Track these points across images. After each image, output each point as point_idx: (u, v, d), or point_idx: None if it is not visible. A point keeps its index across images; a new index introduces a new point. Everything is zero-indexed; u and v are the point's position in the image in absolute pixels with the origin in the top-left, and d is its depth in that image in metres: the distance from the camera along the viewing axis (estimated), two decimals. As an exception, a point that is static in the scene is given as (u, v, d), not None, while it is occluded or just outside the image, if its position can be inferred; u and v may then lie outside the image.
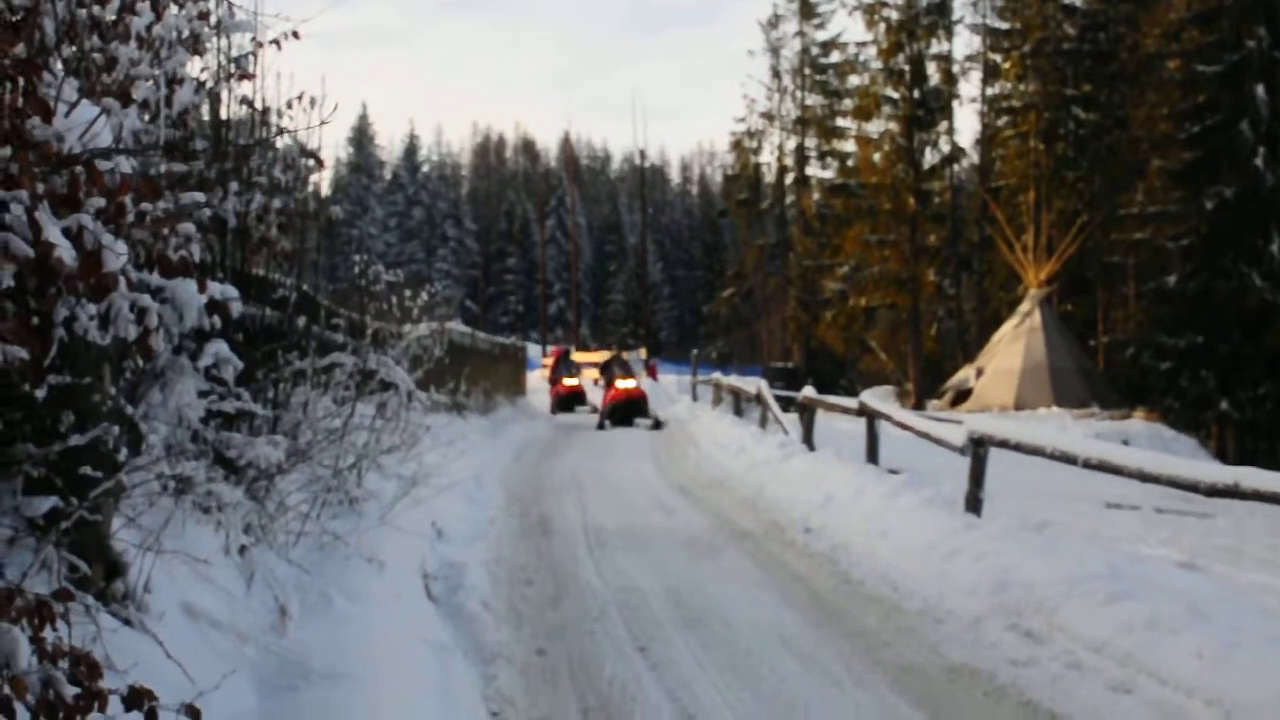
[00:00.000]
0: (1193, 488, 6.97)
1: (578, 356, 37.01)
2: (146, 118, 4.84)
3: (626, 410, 23.59)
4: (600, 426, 23.06)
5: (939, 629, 6.84)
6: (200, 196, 5.08)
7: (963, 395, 33.16)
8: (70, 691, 2.86)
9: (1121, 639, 6.01)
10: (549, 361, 46.73)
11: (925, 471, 11.36)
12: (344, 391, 7.37)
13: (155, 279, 3.81)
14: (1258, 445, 25.77)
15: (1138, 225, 34.19)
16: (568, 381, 27.97)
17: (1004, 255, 34.77)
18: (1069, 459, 8.13)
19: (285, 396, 6.92)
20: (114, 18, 4.64)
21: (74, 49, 4.44)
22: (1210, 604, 6.16)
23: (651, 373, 36.71)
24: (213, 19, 5.91)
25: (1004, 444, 9.07)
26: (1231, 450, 25.88)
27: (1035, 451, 8.55)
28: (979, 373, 33.26)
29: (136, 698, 2.98)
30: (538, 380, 37.40)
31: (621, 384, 24.24)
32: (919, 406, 33.55)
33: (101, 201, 2.95)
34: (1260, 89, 27.08)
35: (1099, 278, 37.20)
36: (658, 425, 22.47)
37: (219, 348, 4.92)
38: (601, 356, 32.04)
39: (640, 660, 6.28)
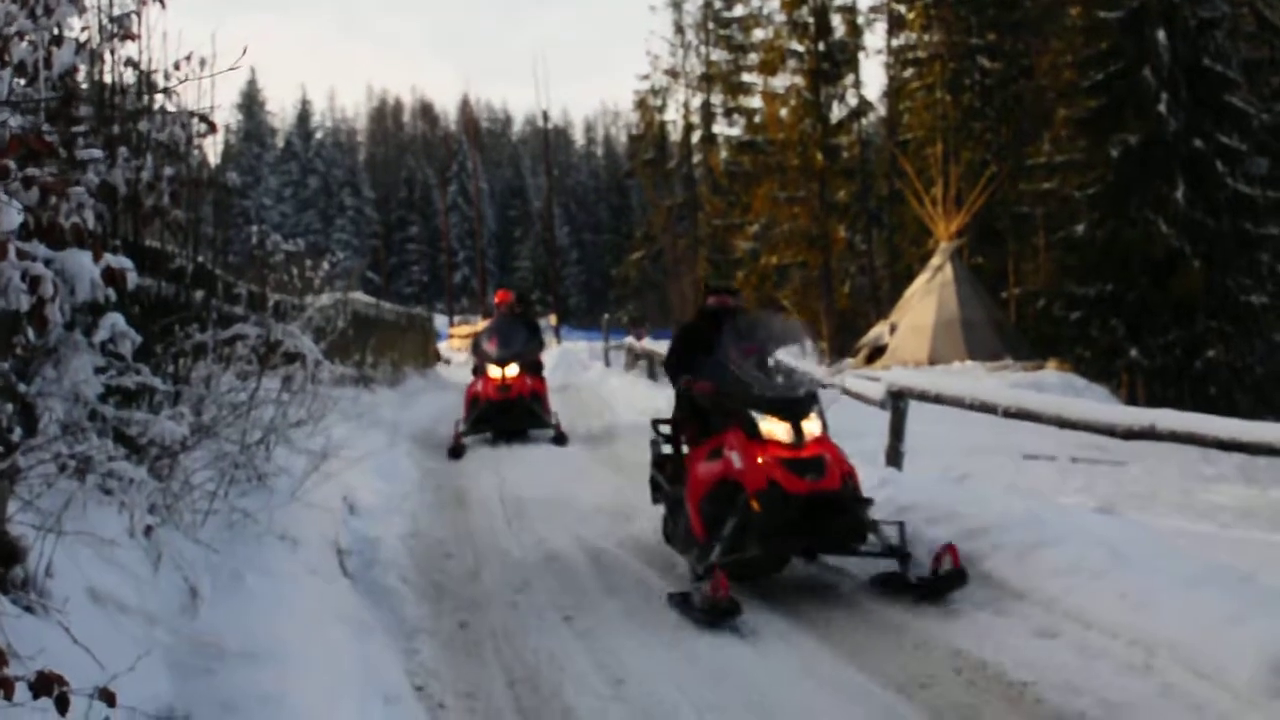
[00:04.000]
0: (1109, 431, 7.16)
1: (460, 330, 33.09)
2: (23, 81, 4.68)
3: (504, 414, 14.33)
4: (452, 452, 13.57)
5: (863, 584, 6.94)
6: (98, 153, 4.93)
7: (878, 352, 33.53)
8: (-26, 681, 2.78)
9: (1045, 585, 6.16)
10: (463, 330, 44.87)
11: (843, 429, 11.46)
12: (247, 365, 7.23)
13: (43, 250, 3.69)
14: (1166, 392, 26.40)
15: (1045, 175, 34.78)
16: (499, 374, 14.64)
17: (914, 209, 35.14)
18: (989, 408, 8.29)
19: (186, 371, 6.77)
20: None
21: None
22: (1129, 548, 6.32)
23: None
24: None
25: (924, 396, 9.21)
26: (1141, 397, 26.47)
27: (955, 402, 8.70)
28: (893, 329, 33.65)
29: (45, 683, 2.91)
30: (447, 350, 36.98)
31: (495, 371, 14.48)
32: (834, 364, 33.91)
33: (-14, 164, 2.84)
34: (1161, 34, 27.57)
35: (1009, 229, 37.82)
36: (560, 439, 14.18)
37: (115, 321, 4.78)
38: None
39: (566, 629, 6.28)
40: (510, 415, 14.27)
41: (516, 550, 8.28)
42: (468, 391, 15.02)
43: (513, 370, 14.40)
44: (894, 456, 9.43)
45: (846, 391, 10.78)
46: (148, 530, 5.04)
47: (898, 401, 9.47)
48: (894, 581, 6.62)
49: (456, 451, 13.43)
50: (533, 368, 14.93)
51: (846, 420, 12.40)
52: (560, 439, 14.11)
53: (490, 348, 14.77)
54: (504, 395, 14.23)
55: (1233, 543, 9.13)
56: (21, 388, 4.53)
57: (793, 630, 6.16)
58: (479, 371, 14.99)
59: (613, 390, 19.77)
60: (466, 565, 7.89)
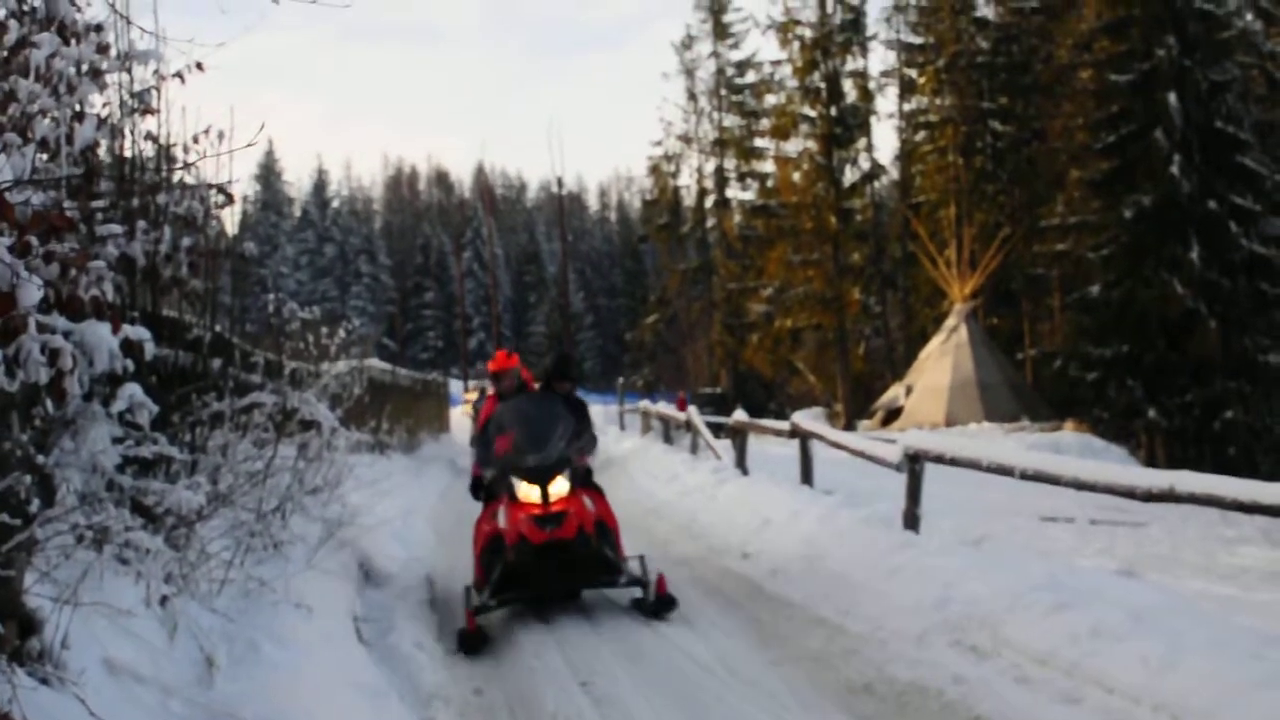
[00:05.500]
0: (1130, 494, 7.09)
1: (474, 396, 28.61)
2: (45, 156, 4.75)
3: (555, 566, 8.08)
4: (465, 640, 7.43)
5: (884, 649, 6.88)
6: (117, 228, 4.99)
7: (893, 414, 33.49)
8: (-10, 754, 2.78)
9: (1067, 650, 6.09)
10: (472, 396, 44.43)
11: (861, 492, 11.45)
12: (264, 433, 7.26)
13: (62, 322, 3.73)
14: (1186, 452, 26.27)
15: (1059, 236, 34.86)
16: (537, 496, 8.15)
17: (928, 271, 35.25)
18: (1005, 471, 8.24)
19: (203, 440, 6.80)
20: (6, 52, 4.55)
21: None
22: (1151, 611, 6.25)
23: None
24: (113, 52, 5.83)
25: (940, 459, 9.16)
26: (1160, 458, 26.35)
27: (972, 465, 8.65)
28: (908, 390, 33.63)
29: (61, 757, 2.91)
30: (459, 417, 36.97)
31: (527, 492, 8.12)
32: (849, 427, 33.81)
33: (8, 239, 2.88)
34: (1172, 97, 27.75)
35: (1023, 290, 37.90)
36: (659, 602, 8.02)
37: (133, 391, 4.82)
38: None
39: (582, 695, 6.24)
40: (565, 568, 8.03)
41: (532, 616, 8.23)
42: (478, 530, 8.57)
43: (560, 487, 8.12)
44: (911, 520, 9.38)
45: (861, 454, 10.75)
46: (164, 600, 5.05)
47: (914, 464, 9.43)
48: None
49: (472, 642, 7.40)
50: (584, 478, 8.66)
51: (864, 482, 12.43)
52: (659, 602, 8.01)
53: (507, 447, 8.45)
54: (552, 533, 7.91)
55: (1257, 605, 9.04)
56: (40, 459, 4.56)
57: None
58: (488, 490, 8.80)
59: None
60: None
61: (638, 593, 8.27)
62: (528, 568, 7.89)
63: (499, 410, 8.96)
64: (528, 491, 8.07)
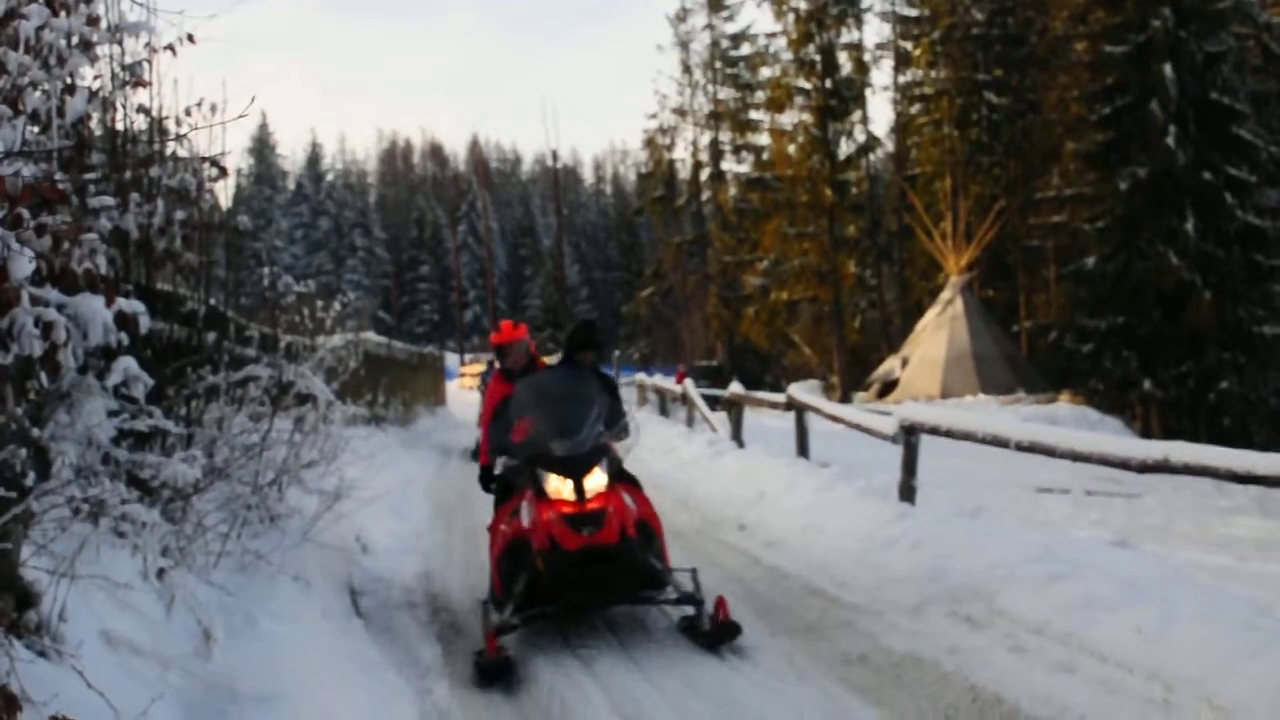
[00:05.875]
0: (1124, 465, 7.11)
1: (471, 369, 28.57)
2: (37, 129, 4.72)
3: (588, 573, 6.59)
4: (486, 669, 6.10)
5: (880, 620, 6.90)
6: (110, 200, 4.97)
7: (889, 386, 33.55)
8: (-12, 726, 2.79)
9: (1061, 620, 6.12)
10: (473, 369, 43.81)
11: (856, 464, 11.47)
12: (260, 406, 7.25)
13: (56, 295, 3.72)
14: (1181, 423, 26.33)
15: (1055, 208, 34.86)
16: (570, 492, 6.70)
17: (923, 243, 35.25)
18: (1001, 442, 8.25)
19: (199, 413, 6.80)
20: (-4, 25, 4.52)
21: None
22: (1144, 581, 6.28)
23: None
24: (103, 24, 5.79)
25: (935, 430, 9.18)
26: (1156, 429, 26.41)
27: (967, 436, 8.66)
28: (904, 363, 33.67)
29: (59, 728, 2.91)
30: (456, 390, 37.00)
31: (558, 487, 6.63)
32: (845, 400, 33.87)
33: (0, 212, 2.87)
34: (1168, 68, 27.69)
35: (1019, 262, 37.90)
36: (721, 629, 6.46)
37: (128, 364, 4.80)
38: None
39: (581, 671, 6.25)
40: (602, 579, 6.60)
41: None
42: (495, 533, 7.22)
43: (597, 481, 6.70)
44: (907, 491, 9.40)
45: (858, 427, 10.76)
46: (161, 573, 5.05)
47: (909, 437, 9.44)
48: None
49: (494, 671, 6.09)
50: (619, 470, 7.14)
51: (860, 455, 12.45)
52: (718, 629, 6.50)
53: (530, 430, 6.93)
54: (590, 537, 6.48)
55: (1250, 575, 9.09)
56: (35, 432, 4.55)
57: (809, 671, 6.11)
58: (501, 483, 7.61)
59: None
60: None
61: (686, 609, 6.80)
62: (560, 579, 6.47)
63: (519, 389, 7.32)
64: (559, 486, 6.61)
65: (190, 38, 6.07)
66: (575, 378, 7.38)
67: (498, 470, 7.60)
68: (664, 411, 20.94)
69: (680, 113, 50.67)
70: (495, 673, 6.05)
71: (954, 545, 7.50)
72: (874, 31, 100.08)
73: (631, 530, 6.65)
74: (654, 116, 51.30)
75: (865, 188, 43.10)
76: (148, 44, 6.30)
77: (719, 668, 6.08)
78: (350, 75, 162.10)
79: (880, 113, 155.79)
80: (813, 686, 5.77)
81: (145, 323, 4.34)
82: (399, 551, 9.28)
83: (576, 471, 6.67)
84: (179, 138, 6.85)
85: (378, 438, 15.46)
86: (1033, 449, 7.99)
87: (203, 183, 7.11)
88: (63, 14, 4.96)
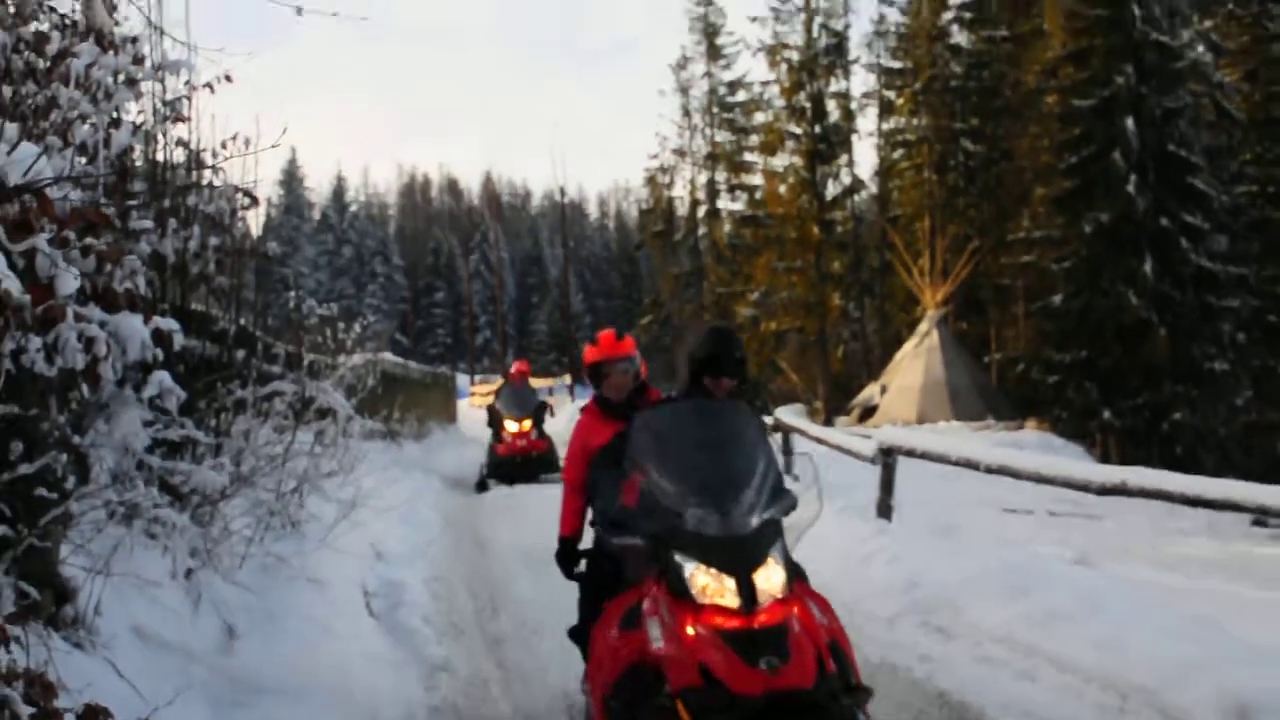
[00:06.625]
0: (1085, 488, 7.12)
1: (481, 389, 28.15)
2: (85, 159, 4.74)
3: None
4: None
5: (858, 632, 6.87)
6: (149, 225, 4.99)
7: (869, 411, 33.47)
8: (26, 711, 2.78)
9: (1024, 631, 6.12)
10: (482, 389, 43.99)
11: (837, 484, 11.42)
12: (284, 419, 7.25)
13: (98, 313, 3.73)
14: (1137, 451, 26.27)
15: (1024, 249, 34.82)
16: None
17: (903, 279, 35.24)
18: (972, 465, 8.27)
19: (227, 425, 6.79)
20: (48, 62, 4.55)
21: (11, 91, 4.34)
22: (1103, 597, 6.28)
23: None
24: (148, 63, 5.82)
25: (911, 453, 9.19)
26: (1114, 455, 26.35)
27: (940, 459, 8.68)
28: (883, 390, 33.62)
29: (92, 715, 2.92)
30: (466, 409, 36.92)
31: (715, 589, 3.58)
32: (828, 423, 33.80)
33: (48, 233, 2.88)
34: (1130, 122, 27.80)
35: (991, 298, 37.91)
36: None
37: (163, 378, 4.81)
38: None
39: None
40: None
41: (531, 593, 8.22)
42: (600, 648, 4.26)
43: (773, 581, 3.86)
44: (884, 509, 9.40)
45: (840, 448, 10.77)
46: (189, 573, 5.05)
47: (887, 458, 9.45)
48: None
49: None
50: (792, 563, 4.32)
51: (841, 475, 12.41)
52: None
53: (654, 491, 4.03)
54: (775, 677, 3.59)
55: (1200, 593, 9.06)
56: (75, 439, 4.56)
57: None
58: (596, 567, 5.09)
59: None
60: (485, 607, 7.84)
61: None
62: None
63: (636, 428, 4.29)
64: (714, 585, 3.73)
65: (228, 77, 6.10)
66: (723, 414, 4.33)
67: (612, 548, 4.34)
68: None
69: (680, 153, 50.74)
70: None
71: (927, 560, 7.50)
72: (860, 81, 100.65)
73: (829, 663, 3.79)
74: (655, 156, 51.30)
75: (850, 226, 43.11)
76: (188, 82, 6.32)
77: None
78: (374, 113, 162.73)
79: (865, 157, 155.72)
80: None
81: (179, 340, 4.36)
82: (410, 557, 9.25)
83: (741, 564, 3.78)
84: (215, 169, 6.88)
85: (393, 451, 15.43)
86: (1001, 471, 8.00)
87: (235, 211, 7.12)
88: (111, 52, 4.99)
